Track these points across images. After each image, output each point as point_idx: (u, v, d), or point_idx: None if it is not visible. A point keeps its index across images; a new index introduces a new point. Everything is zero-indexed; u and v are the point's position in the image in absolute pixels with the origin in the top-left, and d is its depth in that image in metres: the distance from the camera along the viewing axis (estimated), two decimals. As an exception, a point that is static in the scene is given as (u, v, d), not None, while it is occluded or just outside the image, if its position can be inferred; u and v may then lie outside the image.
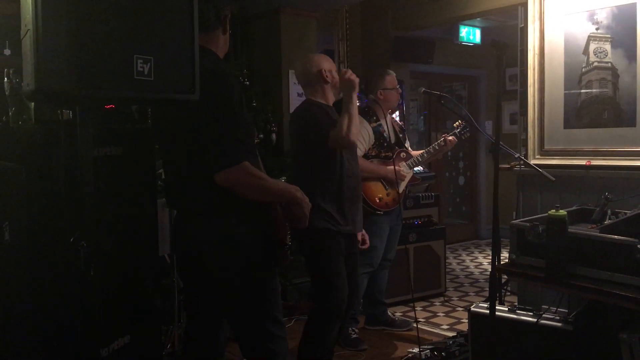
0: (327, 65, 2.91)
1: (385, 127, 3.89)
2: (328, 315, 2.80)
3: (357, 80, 2.81)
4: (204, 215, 2.03)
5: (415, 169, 4.00)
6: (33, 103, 2.16)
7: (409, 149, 4.06)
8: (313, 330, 2.85)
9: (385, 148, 3.86)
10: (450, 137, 3.88)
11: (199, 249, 2.05)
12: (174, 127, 2.08)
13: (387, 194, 3.79)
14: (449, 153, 7.42)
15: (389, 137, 3.90)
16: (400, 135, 4.02)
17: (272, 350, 2.10)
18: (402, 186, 3.86)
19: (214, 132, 1.92)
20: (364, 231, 3.20)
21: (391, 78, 3.91)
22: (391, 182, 3.77)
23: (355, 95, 2.82)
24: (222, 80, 1.97)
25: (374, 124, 3.83)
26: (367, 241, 3.23)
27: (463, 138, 4.04)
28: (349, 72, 2.82)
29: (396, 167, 3.73)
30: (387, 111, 3.91)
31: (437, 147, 3.91)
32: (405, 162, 3.89)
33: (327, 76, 2.87)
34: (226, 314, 2.18)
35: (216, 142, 1.92)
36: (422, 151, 3.95)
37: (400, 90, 3.97)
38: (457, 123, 4.00)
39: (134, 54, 1.56)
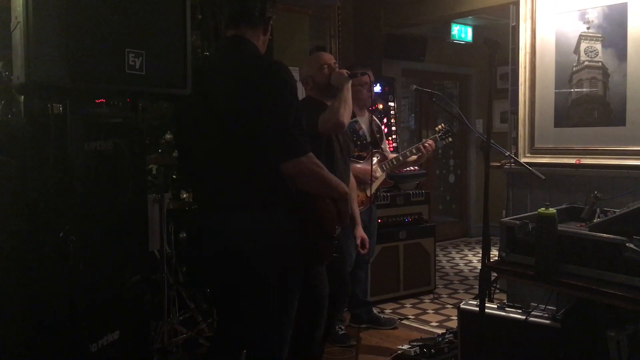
0: (306, 71, 2.91)
1: (363, 125, 3.81)
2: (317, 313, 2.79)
3: (345, 72, 2.81)
4: (247, 208, 1.96)
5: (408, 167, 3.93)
6: (22, 96, 2.14)
7: (386, 150, 3.92)
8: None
9: (359, 147, 3.73)
10: (429, 141, 3.80)
11: (239, 243, 1.96)
12: (213, 119, 1.99)
13: (357, 195, 3.59)
14: (439, 151, 7.48)
15: (365, 136, 3.83)
16: (377, 136, 3.91)
17: (279, 357, 2.11)
18: (374, 188, 3.70)
19: (281, 122, 1.89)
20: (364, 234, 3.18)
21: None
22: (362, 182, 3.57)
23: (348, 86, 2.75)
24: (281, 71, 1.95)
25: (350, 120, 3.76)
26: (367, 245, 3.19)
27: (444, 142, 3.96)
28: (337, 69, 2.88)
29: (370, 167, 3.59)
30: (362, 109, 3.82)
31: (414, 151, 3.79)
32: (378, 164, 3.76)
33: (308, 83, 2.90)
34: (250, 313, 2.07)
35: (285, 132, 1.89)
36: (397, 155, 3.84)
37: (368, 89, 3.70)
38: (439, 127, 3.93)
39: (125, 47, 1.56)
